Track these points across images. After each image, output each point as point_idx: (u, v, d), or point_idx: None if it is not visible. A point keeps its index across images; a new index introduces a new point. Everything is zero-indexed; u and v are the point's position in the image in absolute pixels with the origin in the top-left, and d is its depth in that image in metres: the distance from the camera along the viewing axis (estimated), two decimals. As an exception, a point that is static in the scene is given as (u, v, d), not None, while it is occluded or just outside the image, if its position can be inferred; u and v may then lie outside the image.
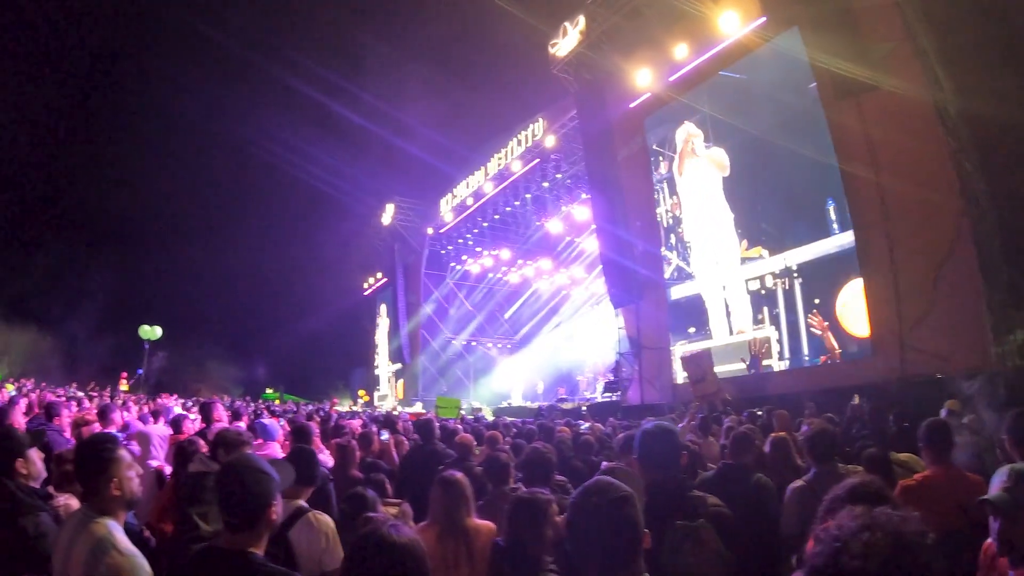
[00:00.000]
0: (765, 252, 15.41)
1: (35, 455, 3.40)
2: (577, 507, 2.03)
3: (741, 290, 16.05)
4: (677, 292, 18.14)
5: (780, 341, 14.96)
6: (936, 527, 2.28)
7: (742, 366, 15.26)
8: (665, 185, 18.77)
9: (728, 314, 16.46)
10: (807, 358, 14.39)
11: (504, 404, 27.48)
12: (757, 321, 15.56)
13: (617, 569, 1.94)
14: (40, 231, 45.89)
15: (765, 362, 15.15)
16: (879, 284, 12.97)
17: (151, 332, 15.57)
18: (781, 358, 14.90)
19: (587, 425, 9.83)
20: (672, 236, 18.48)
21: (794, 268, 14.68)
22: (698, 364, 13.88)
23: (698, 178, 17.44)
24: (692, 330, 17.53)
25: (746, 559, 3.52)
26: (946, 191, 11.85)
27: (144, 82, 51.67)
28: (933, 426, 4.07)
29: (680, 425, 8.88)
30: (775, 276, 15.13)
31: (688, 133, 17.70)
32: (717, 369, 14.18)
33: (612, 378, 21.03)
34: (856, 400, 10.04)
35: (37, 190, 47.58)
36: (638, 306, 19.31)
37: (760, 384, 14.71)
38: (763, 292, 15.44)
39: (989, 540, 2.58)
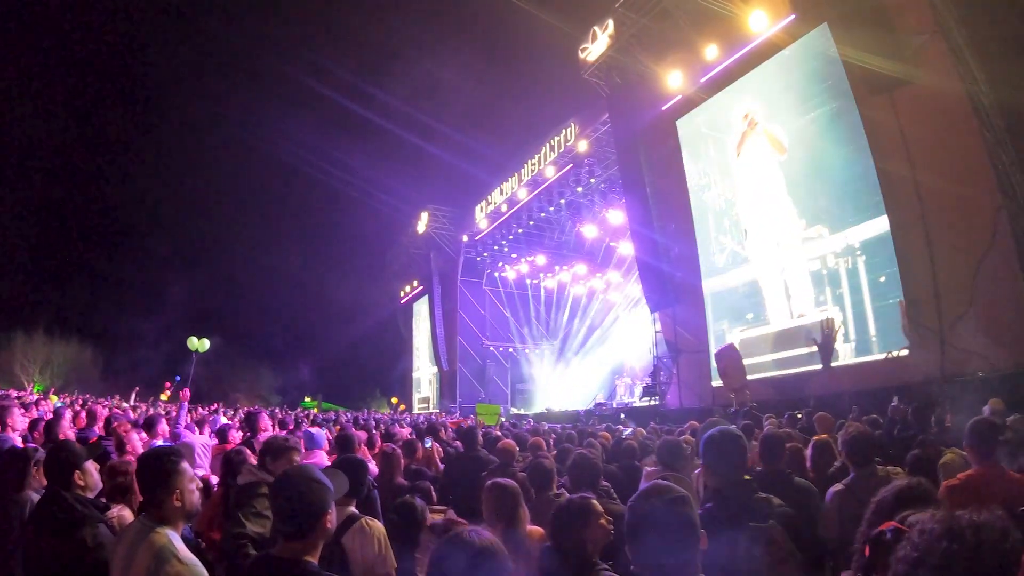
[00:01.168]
0: (825, 230, 14.86)
1: (91, 467, 3.48)
2: (636, 508, 2.08)
3: (802, 271, 15.46)
4: (733, 278, 17.58)
5: (844, 323, 14.31)
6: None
7: (802, 351, 14.63)
8: (716, 168, 18.31)
9: (788, 297, 15.86)
10: (874, 338, 13.79)
11: (543, 410, 27.47)
12: (819, 303, 14.99)
13: (675, 568, 1.98)
14: (82, 246, 46.97)
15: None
16: (917, 282, 12.82)
17: (200, 344, 15.80)
18: (847, 340, 14.28)
19: (630, 430, 9.81)
20: (725, 220, 17.96)
21: (857, 246, 14.14)
22: (720, 359, 13.82)
23: (757, 156, 16.84)
24: (750, 316, 16.98)
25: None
26: (983, 185, 11.71)
27: (188, 99, 52.53)
28: (978, 425, 4.03)
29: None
30: (836, 255, 14.59)
31: (748, 109, 17.10)
32: (779, 355, 14.53)
33: (650, 382, 20.93)
34: (895, 401, 9.89)
35: (80, 205, 48.63)
36: (675, 309, 19.25)
37: (799, 385, 14.45)
38: (824, 272, 14.88)
39: None
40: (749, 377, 15.60)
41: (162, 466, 2.69)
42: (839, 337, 14.07)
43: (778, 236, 16.09)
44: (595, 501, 3.16)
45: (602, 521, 3.05)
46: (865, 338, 14.02)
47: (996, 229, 11.52)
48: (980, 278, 11.66)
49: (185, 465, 2.75)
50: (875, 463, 4.24)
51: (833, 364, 14.00)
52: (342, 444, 5.83)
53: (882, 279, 13.75)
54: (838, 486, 4.07)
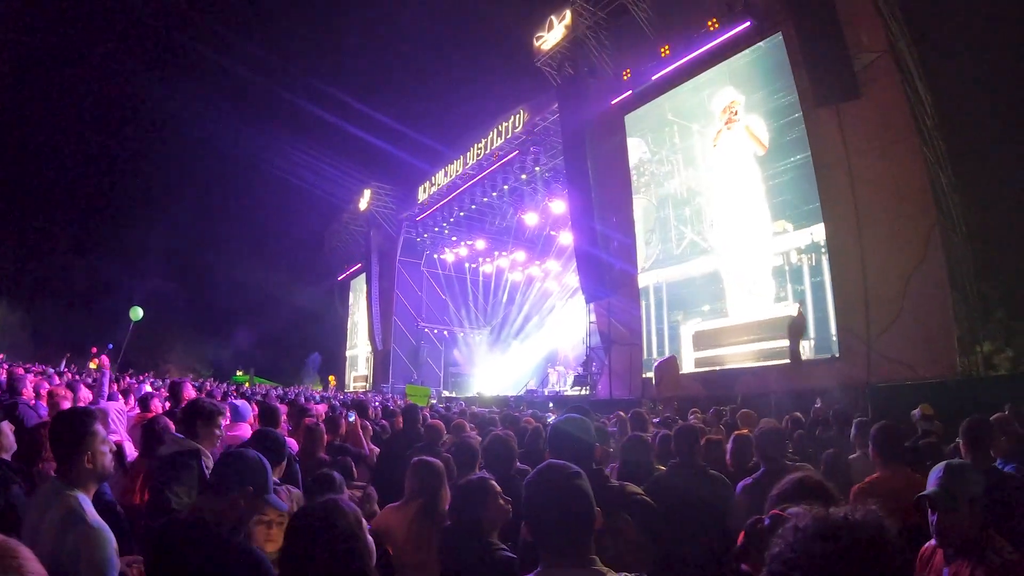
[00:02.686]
0: (789, 226, 14.76)
1: (7, 428, 3.43)
2: (534, 483, 2.10)
3: (764, 266, 15.26)
4: (692, 268, 17.26)
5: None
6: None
7: (764, 345, 14.85)
8: (680, 156, 18.03)
9: (749, 291, 15.62)
10: (834, 337, 13.68)
11: (475, 394, 27.52)
12: (780, 298, 14.85)
13: (571, 543, 2.00)
14: (8, 207, 45.34)
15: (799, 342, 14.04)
16: (849, 290, 13.15)
17: (136, 313, 15.41)
18: (806, 337, 14.04)
19: (553, 417, 9.94)
20: (687, 208, 17.72)
21: (822, 243, 14.01)
22: (660, 370, 14.07)
23: (733, 148, 16.44)
24: (707, 308, 16.71)
25: (697, 553, 3.61)
26: (919, 201, 12.07)
27: (129, 79, 50.68)
28: (882, 429, 4.19)
29: (656, 420, 9.06)
30: (800, 251, 14.47)
31: (732, 99, 16.62)
32: (736, 350, 14.87)
33: (581, 372, 21.15)
34: (818, 403, 10.20)
35: (7, 167, 46.81)
36: (610, 301, 19.42)
37: (728, 383, 14.74)
38: (787, 268, 14.72)
39: (926, 544, 2.69)
40: (688, 371, 15.92)
41: (75, 427, 2.67)
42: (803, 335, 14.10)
43: (744, 228, 15.95)
44: (493, 482, 3.24)
45: (500, 501, 3.13)
46: (826, 335, 13.98)
47: (929, 245, 11.86)
48: (910, 291, 12.00)
49: (99, 427, 2.73)
50: (785, 459, 4.40)
51: (763, 364, 14.39)
52: (265, 415, 5.81)
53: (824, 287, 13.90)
54: (748, 480, 4.18)
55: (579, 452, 3.08)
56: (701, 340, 16.64)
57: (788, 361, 13.64)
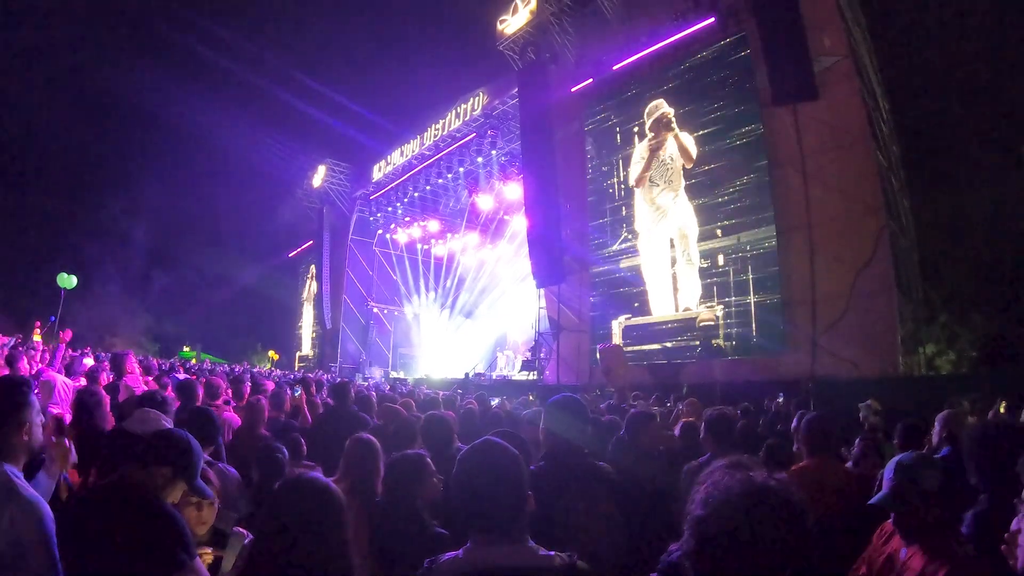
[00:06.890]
0: (719, 230, 15.03)
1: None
2: (465, 462, 2.06)
3: (692, 267, 15.56)
4: (626, 266, 17.62)
5: (729, 322, 14.65)
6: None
7: (682, 344, 15.24)
8: (620, 158, 18.33)
9: (676, 291, 15.95)
10: (755, 339, 14.07)
11: (422, 376, 27.48)
12: (706, 299, 15.17)
13: (503, 520, 1.96)
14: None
15: (714, 342, 14.84)
16: (797, 286, 13.35)
17: (67, 280, 15.06)
18: (728, 340, 14.58)
19: (497, 401, 10.01)
20: (624, 209, 18.02)
21: (749, 248, 14.48)
22: (605, 357, 14.24)
23: (665, 155, 16.78)
24: (637, 304, 17.09)
25: (643, 530, 3.70)
26: (870, 204, 12.28)
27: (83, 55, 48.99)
28: (810, 421, 4.33)
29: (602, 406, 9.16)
30: (727, 255, 14.77)
31: (662, 111, 16.93)
32: (660, 345, 15.06)
33: (530, 357, 21.22)
34: (780, 398, 10.36)
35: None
36: (560, 287, 19.49)
37: (674, 373, 14.96)
38: (715, 271, 15.04)
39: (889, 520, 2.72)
40: (631, 364, 16.09)
41: (11, 399, 2.59)
42: (721, 335, 14.63)
43: (673, 232, 16.23)
44: (429, 459, 3.28)
45: (434, 479, 3.18)
46: (746, 339, 14.31)
47: (877, 247, 12.09)
48: (856, 290, 12.24)
49: (34, 398, 2.67)
50: (732, 447, 4.52)
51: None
52: (183, 392, 5.75)
53: (770, 285, 14.14)
54: (694, 464, 4.32)
55: (573, 430, 3.20)
56: (630, 335, 16.94)
57: (732, 357, 13.96)
